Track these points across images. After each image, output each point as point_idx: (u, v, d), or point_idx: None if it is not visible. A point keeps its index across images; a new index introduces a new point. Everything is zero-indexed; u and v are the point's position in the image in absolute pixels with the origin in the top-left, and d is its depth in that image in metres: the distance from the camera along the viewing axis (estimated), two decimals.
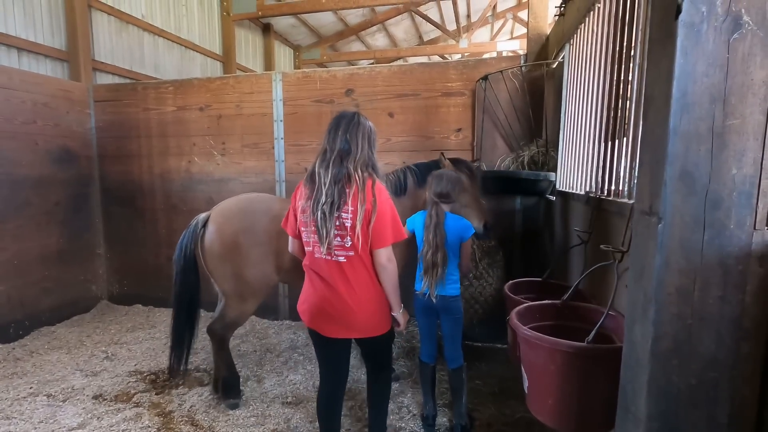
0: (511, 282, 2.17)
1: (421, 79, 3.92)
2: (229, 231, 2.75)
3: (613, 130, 1.93)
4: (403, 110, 3.96)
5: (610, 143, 1.93)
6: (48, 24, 4.63)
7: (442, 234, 2.36)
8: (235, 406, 2.86)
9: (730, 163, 0.92)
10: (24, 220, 4.08)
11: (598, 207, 1.90)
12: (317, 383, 3.16)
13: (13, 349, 3.79)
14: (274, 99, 4.24)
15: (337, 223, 1.84)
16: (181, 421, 2.72)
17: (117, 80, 5.42)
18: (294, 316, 4.41)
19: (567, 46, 2.93)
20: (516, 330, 1.55)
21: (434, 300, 2.40)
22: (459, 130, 3.89)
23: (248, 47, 8.78)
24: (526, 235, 3.79)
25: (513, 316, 1.66)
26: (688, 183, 0.94)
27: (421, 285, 2.45)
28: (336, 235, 1.86)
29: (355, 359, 3.12)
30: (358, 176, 1.85)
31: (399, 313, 2.04)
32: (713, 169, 0.93)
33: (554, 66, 3.36)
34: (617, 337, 1.52)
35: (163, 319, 4.51)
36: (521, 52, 3.89)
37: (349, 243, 1.86)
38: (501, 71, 3.45)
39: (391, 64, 4.03)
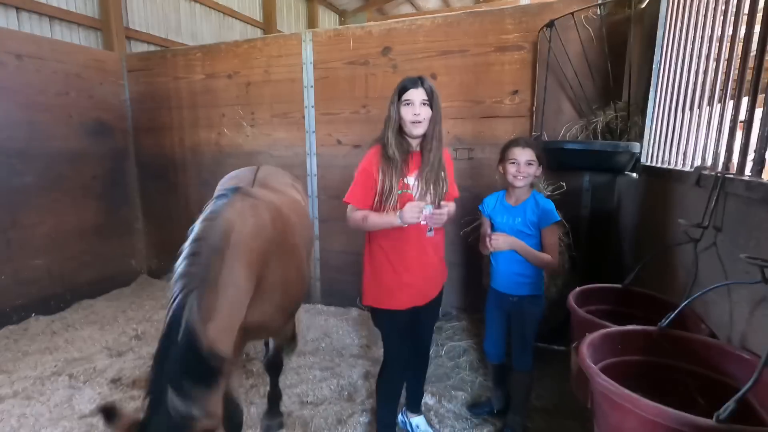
0: (578, 289, 1.62)
1: (469, 31, 3.29)
2: None
3: (741, 81, 1.30)
4: (447, 70, 3.37)
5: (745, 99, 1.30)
6: None
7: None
8: None
9: None
10: (60, 194, 4.04)
11: (719, 188, 1.29)
12: (341, 382, 2.84)
13: (53, 322, 3.81)
14: (303, 62, 3.81)
15: None
16: None
17: (152, 50, 5.24)
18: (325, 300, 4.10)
19: None
20: (588, 374, 1.05)
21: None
22: (515, 92, 3.25)
23: (290, 13, 8.36)
24: (596, 222, 3.11)
25: (583, 349, 1.15)
26: None
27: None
28: None
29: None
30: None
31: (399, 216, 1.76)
32: None
33: (644, 4, 2.61)
34: (758, 401, 0.97)
35: None
36: None
37: None
38: (572, 13, 2.74)
39: (434, 15, 3.42)
